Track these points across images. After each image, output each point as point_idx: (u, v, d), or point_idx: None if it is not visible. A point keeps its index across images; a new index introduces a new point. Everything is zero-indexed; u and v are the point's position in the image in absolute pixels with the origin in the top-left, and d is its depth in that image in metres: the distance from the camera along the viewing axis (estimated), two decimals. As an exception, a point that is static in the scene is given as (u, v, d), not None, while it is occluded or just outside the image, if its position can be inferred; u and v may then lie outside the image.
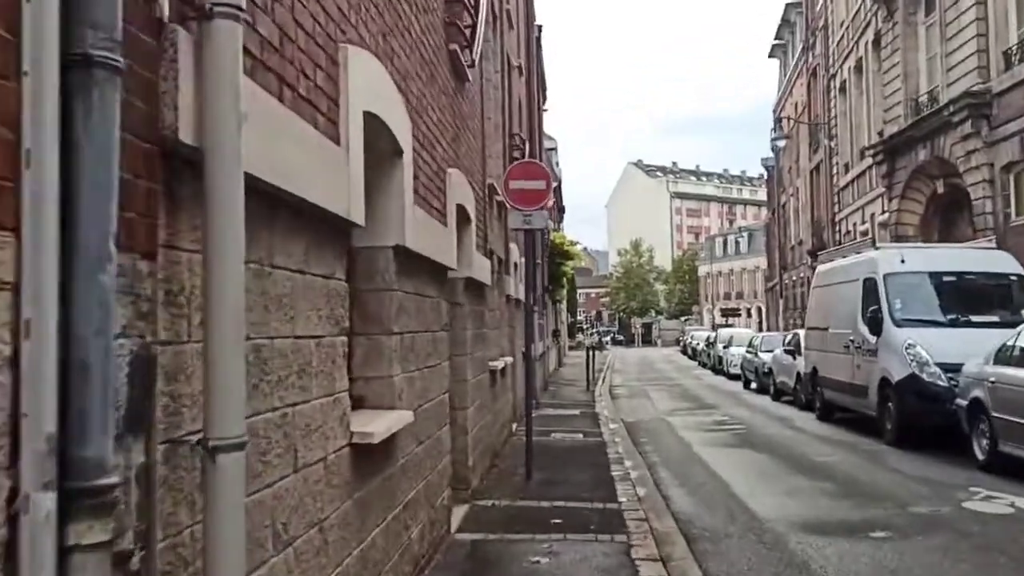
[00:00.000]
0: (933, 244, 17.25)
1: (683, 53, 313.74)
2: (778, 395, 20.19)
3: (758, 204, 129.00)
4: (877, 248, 14.60)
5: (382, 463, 4.67)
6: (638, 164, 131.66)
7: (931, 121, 19.43)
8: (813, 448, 12.51)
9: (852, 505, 8.51)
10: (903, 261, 13.45)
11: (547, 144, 44.61)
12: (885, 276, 13.24)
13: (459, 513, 7.77)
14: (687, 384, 27.56)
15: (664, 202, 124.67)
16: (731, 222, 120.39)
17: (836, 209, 28.90)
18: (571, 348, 56.93)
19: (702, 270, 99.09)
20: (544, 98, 30.23)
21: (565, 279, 34.22)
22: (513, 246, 14.48)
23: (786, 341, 20.70)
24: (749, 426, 15.30)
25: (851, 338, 14.07)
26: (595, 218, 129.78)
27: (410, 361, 5.50)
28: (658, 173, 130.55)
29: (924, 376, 11.88)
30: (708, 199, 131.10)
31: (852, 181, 26.83)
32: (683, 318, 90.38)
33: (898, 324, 12.68)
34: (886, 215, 22.45)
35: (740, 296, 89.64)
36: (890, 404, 12.48)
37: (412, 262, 5.53)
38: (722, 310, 79.10)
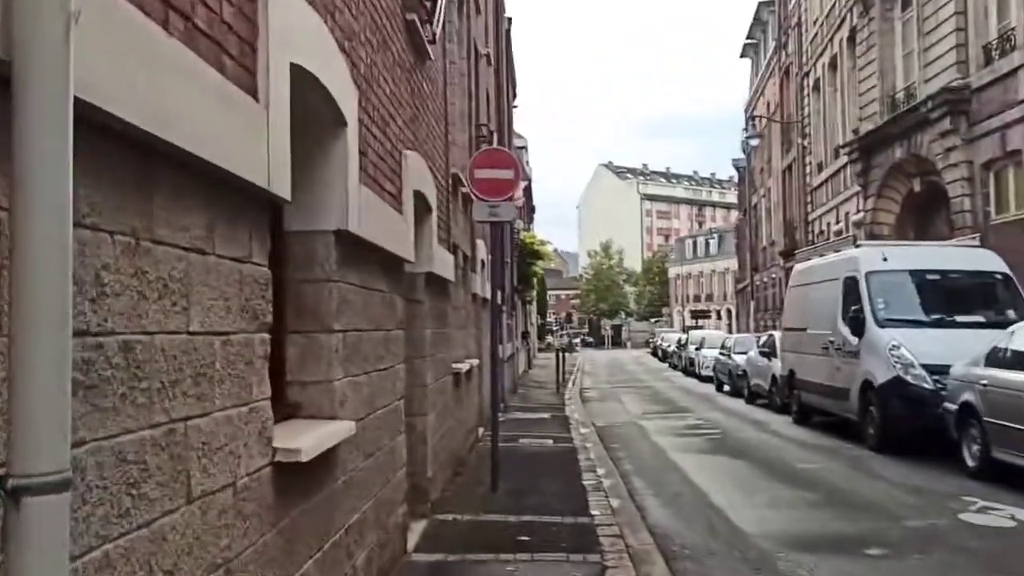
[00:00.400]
0: (916, 242, 16.79)
1: (648, 46, 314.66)
2: (753, 398, 19.69)
3: (728, 206, 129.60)
4: (858, 246, 14.12)
5: (317, 482, 3.98)
6: (608, 166, 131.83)
7: (908, 118, 19.04)
8: (792, 454, 11.96)
9: (840, 517, 7.94)
10: (885, 259, 12.95)
11: (517, 142, 44.08)
12: (867, 275, 12.73)
13: (417, 530, 7.09)
14: (658, 387, 27.05)
15: (634, 204, 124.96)
16: (701, 224, 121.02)
17: (809, 209, 28.54)
18: (541, 350, 56.46)
19: (672, 272, 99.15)
20: (514, 94, 29.62)
21: (535, 279, 33.65)
22: (480, 242, 13.80)
23: (761, 343, 20.22)
24: (724, 430, 14.74)
25: (831, 339, 13.56)
26: (565, 219, 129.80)
27: (355, 363, 4.81)
28: (628, 175, 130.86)
29: (909, 378, 11.38)
30: (678, 201, 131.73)
31: (826, 180, 26.46)
32: (653, 320, 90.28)
33: (881, 324, 12.18)
34: (861, 214, 22.06)
35: (710, 298, 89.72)
36: (872, 408, 11.97)
37: (358, 251, 4.85)
38: (692, 312, 79.17)
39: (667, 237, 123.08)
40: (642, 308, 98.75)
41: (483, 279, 13.94)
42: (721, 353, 24.74)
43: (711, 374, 28.30)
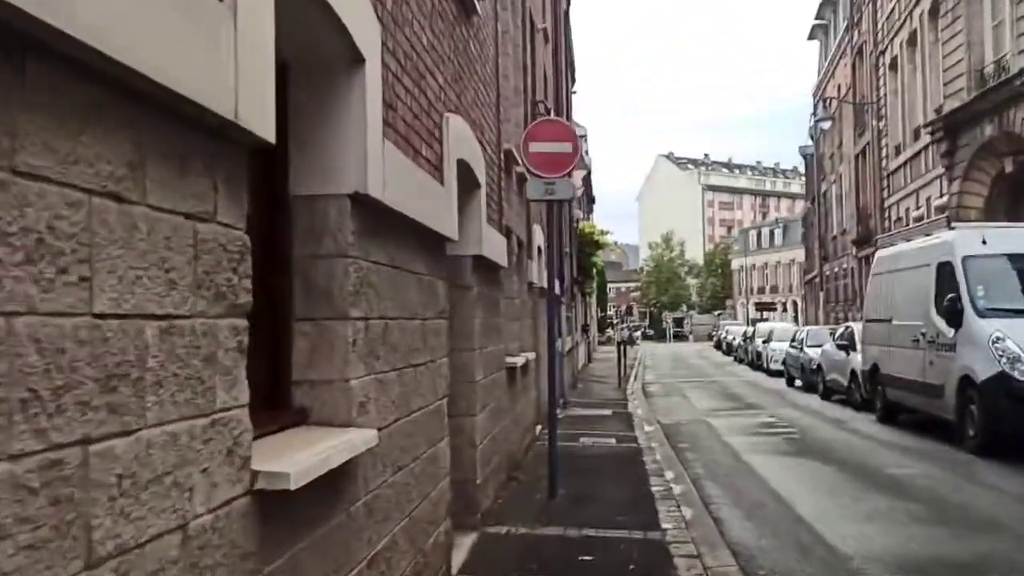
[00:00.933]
0: (1018, 223, 15.32)
1: (703, 38, 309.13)
2: (828, 394, 18.48)
3: (792, 196, 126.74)
4: (953, 228, 12.87)
5: (322, 511, 3.15)
6: (669, 156, 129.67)
7: (999, 93, 17.60)
8: (882, 457, 10.83)
9: (953, 535, 6.88)
10: (984, 242, 11.71)
11: (576, 130, 43.06)
12: (964, 259, 11.52)
13: (465, 545, 6.27)
14: (725, 381, 25.86)
15: (696, 195, 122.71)
16: (764, 215, 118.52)
17: (886, 195, 27.02)
18: (601, 343, 55.35)
19: (735, 263, 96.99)
20: (573, 78, 28.62)
21: (595, 270, 32.62)
22: (536, 228, 12.93)
23: (838, 335, 18.95)
24: (802, 429, 13.63)
25: (922, 331, 12.36)
26: (625, 213, 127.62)
27: (382, 358, 3.97)
28: (689, 165, 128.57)
29: (1015, 374, 10.19)
30: (741, 192, 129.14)
31: (905, 164, 24.96)
32: (716, 312, 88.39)
33: (981, 314, 10.98)
34: (945, 198, 20.60)
35: (775, 290, 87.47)
36: (972, 407, 10.78)
37: (385, 222, 4.01)
38: (756, 304, 77.11)
39: (729, 228, 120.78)
40: (704, 300, 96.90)
41: (539, 267, 13.07)
42: (792, 347, 23.46)
43: (780, 368, 26.99)
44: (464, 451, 6.76)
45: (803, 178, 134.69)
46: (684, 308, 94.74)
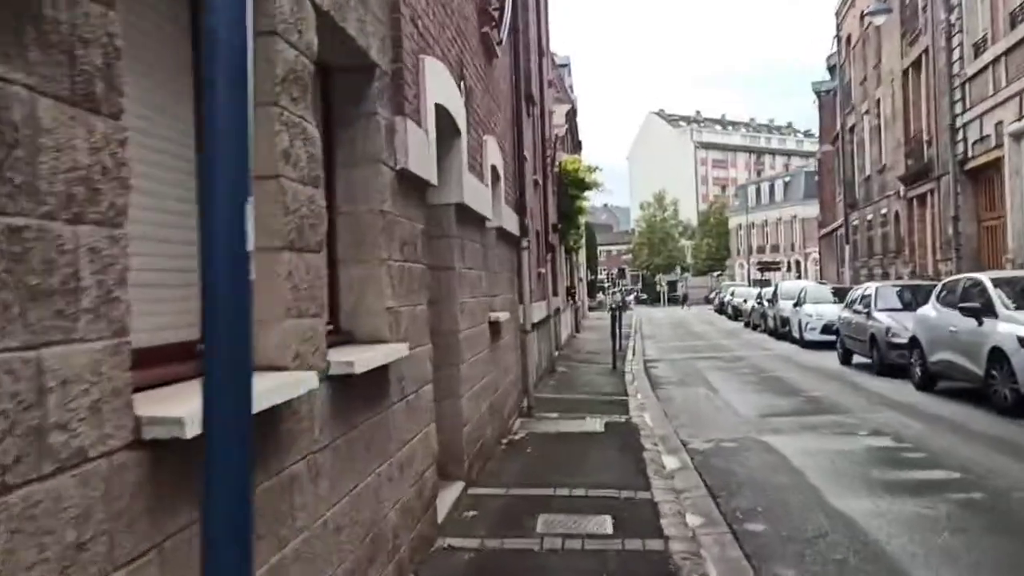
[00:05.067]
0: None
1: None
2: (930, 382, 12.23)
3: (787, 154, 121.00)
4: None
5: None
6: (660, 113, 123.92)
7: None
8: None
9: None
10: None
11: (557, 60, 36.40)
12: None
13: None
14: (752, 357, 19.51)
15: (688, 153, 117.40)
16: (760, 173, 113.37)
17: (959, 109, 20.59)
18: (591, 309, 49.19)
19: (732, 222, 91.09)
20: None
21: (581, 218, 26.17)
22: (489, 140, 6.67)
23: (956, 294, 12.50)
24: (975, 474, 7.24)
25: None
26: (616, 176, 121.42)
27: None
28: (681, 123, 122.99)
29: None
30: (735, 149, 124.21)
31: (992, 63, 18.51)
32: (715, 274, 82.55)
33: None
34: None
35: (776, 249, 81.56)
36: None
37: None
38: (759, 264, 70.98)
39: (724, 187, 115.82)
40: (700, 262, 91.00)
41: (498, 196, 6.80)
42: (849, 311, 17.11)
43: (820, 339, 20.84)
44: None
45: (798, 135, 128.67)
46: (678, 270, 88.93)
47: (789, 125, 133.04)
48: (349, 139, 4.02)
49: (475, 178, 6.78)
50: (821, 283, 30.69)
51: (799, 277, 62.68)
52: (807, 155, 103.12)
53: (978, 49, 19.69)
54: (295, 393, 2.59)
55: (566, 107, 32.62)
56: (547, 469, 7.12)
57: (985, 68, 19.01)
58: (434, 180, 4.78)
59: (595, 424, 9.64)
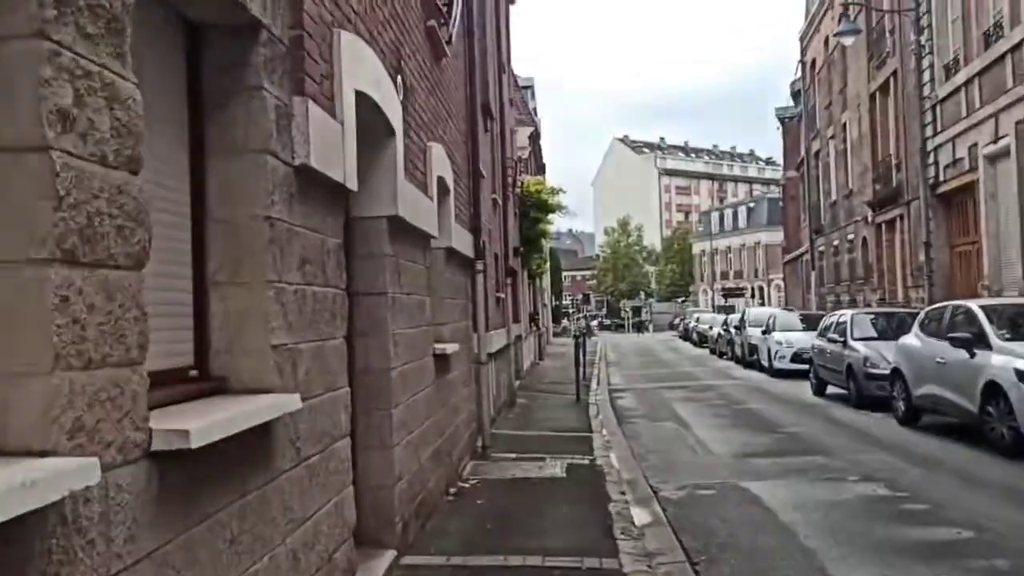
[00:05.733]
0: None
1: (645, 24, 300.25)
2: (913, 416, 11.41)
3: (749, 181, 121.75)
4: None
5: None
6: (624, 140, 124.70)
7: None
8: None
9: None
10: None
11: (520, 81, 35.62)
12: None
13: None
14: (723, 387, 18.66)
15: (652, 179, 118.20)
16: (722, 200, 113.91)
17: (930, 132, 20.03)
18: (556, 335, 48.26)
19: (696, 248, 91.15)
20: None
21: (545, 243, 25.30)
22: (435, 146, 5.70)
23: (925, 321, 11.80)
24: (979, 522, 6.38)
25: None
26: (582, 202, 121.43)
27: None
28: (645, 149, 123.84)
29: None
30: (698, 176, 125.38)
31: (965, 84, 17.96)
32: (680, 300, 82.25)
33: None
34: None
35: (739, 275, 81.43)
36: None
37: None
38: (724, 290, 70.72)
39: (687, 214, 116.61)
40: (664, 288, 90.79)
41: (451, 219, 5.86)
42: (823, 340, 16.31)
43: (790, 367, 20.10)
44: None
45: (760, 163, 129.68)
46: (642, 296, 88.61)
47: (751, 152, 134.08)
48: (226, 122, 3.04)
49: (416, 188, 5.82)
50: (788, 310, 30.02)
51: (763, 304, 62.44)
52: (769, 182, 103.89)
53: (949, 70, 19.17)
54: (48, 499, 1.58)
55: (529, 129, 31.87)
56: (499, 528, 6.10)
57: (957, 90, 18.48)
58: (351, 183, 3.80)
59: (556, 468, 8.65)
